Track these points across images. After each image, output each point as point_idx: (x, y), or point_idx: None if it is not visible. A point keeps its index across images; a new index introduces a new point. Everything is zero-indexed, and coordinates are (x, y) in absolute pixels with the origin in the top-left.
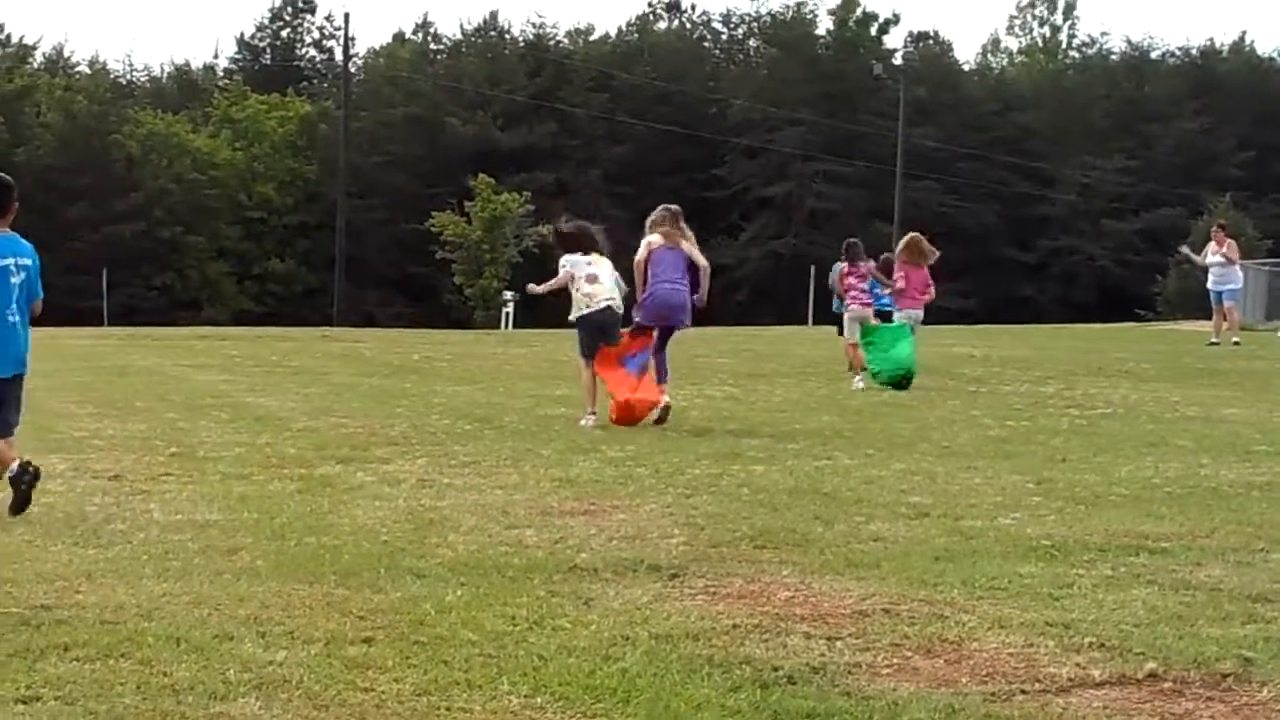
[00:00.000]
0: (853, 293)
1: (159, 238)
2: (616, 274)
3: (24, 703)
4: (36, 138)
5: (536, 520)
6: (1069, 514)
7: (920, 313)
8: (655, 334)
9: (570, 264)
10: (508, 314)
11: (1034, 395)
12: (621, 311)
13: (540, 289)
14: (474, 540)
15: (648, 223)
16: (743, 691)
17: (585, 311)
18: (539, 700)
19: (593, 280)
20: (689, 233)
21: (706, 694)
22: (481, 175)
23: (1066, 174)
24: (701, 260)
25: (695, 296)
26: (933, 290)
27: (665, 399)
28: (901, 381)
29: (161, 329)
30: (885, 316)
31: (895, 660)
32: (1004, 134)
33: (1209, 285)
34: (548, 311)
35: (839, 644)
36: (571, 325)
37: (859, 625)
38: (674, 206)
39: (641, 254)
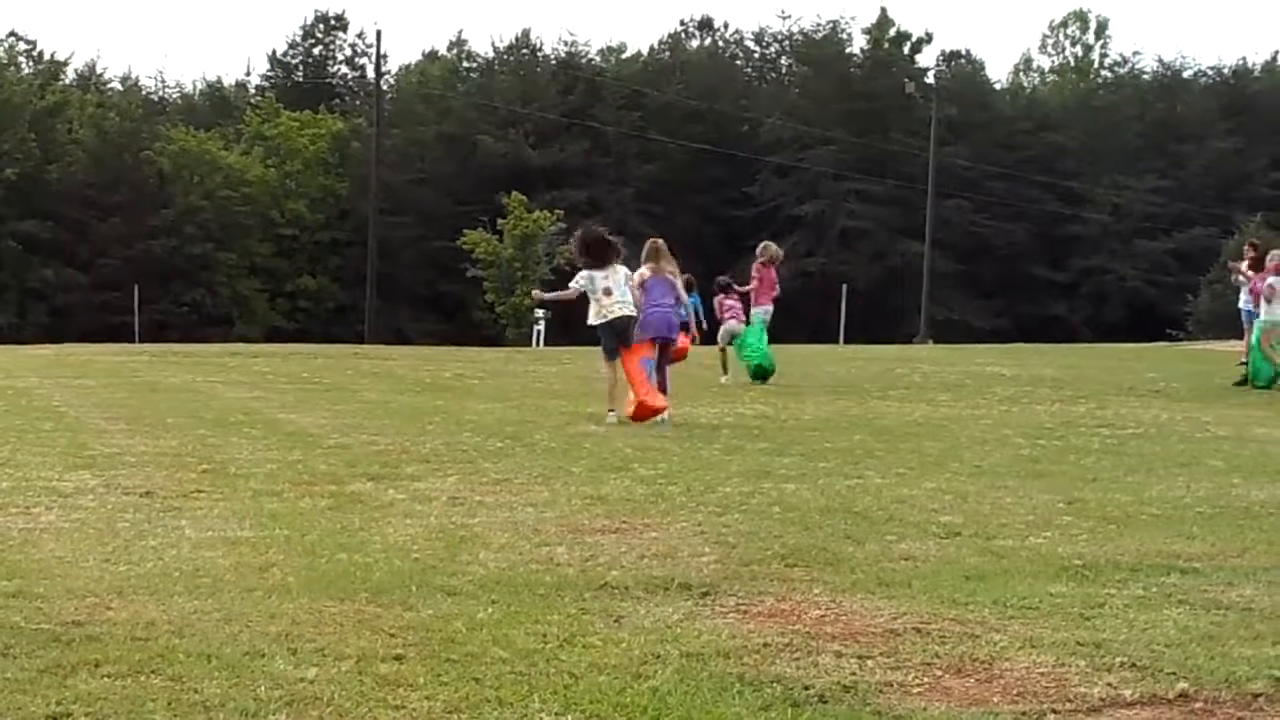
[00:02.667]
0: (730, 312)
1: (190, 254)
2: (632, 279)
3: (55, 719)
4: (69, 154)
5: (567, 538)
6: (1100, 534)
7: (770, 308)
8: (655, 349)
9: (585, 279)
10: (539, 331)
11: (1065, 415)
12: (636, 316)
13: (547, 297)
14: (505, 558)
15: (643, 255)
16: (774, 710)
17: (604, 320)
18: (570, 718)
19: (609, 293)
20: (673, 262)
21: (738, 712)
22: (514, 193)
23: (1098, 193)
24: (683, 295)
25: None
26: (778, 289)
27: (668, 412)
28: (760, 373)
29: (193, 345)
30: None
31: (926, 679)
32: (1035, 153)
33: (1240, 305)
34: (579, 329)
35: (870, 663)
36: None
37: (890, 644)
38: (659, 241)
39: (635, 281)
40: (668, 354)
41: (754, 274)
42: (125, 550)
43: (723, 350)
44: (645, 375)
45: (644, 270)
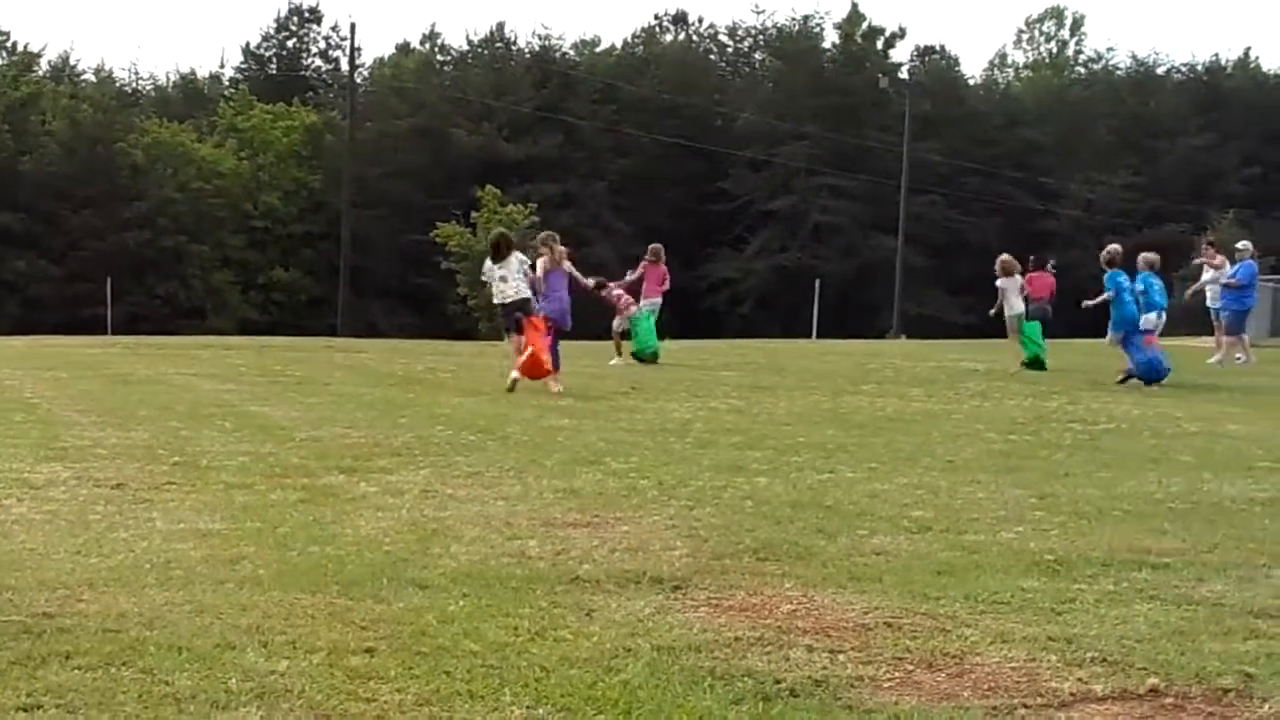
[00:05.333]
0: (623, 300)
1: (163, 246)
2: (526, 265)
3: (25, 710)
4: (42, 146)
5: (539, 531)
6: (1072, 529)
7: (659, 300)
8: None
9: (488, 270)
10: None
11: (1037, 410)
12: (529, 297)
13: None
14: (476, 551)
15: (543, 248)
16: (745, 704)
17: (503, 302)
18: (541, 711)
19: (505, 280)
20: (567, 255)
21: (708, 706)
22: (487, 186)
23: (1071, 189)
24: (581, 279)
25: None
26: (668, 282)
27: (558, 387)
28: (648, 358)
29: (165, 338)
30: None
31: (897, 674)
32: (1009, 149)
33: (1208, 303)
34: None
35: (841, 657)
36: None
37: (861, 638)
38: (554, 235)
39: (539, 272)
40: (558, 339)
41: (640, 270)
42: (97, 542)
43: (619, 337)
44: (545, 343)
45: (544, 262)
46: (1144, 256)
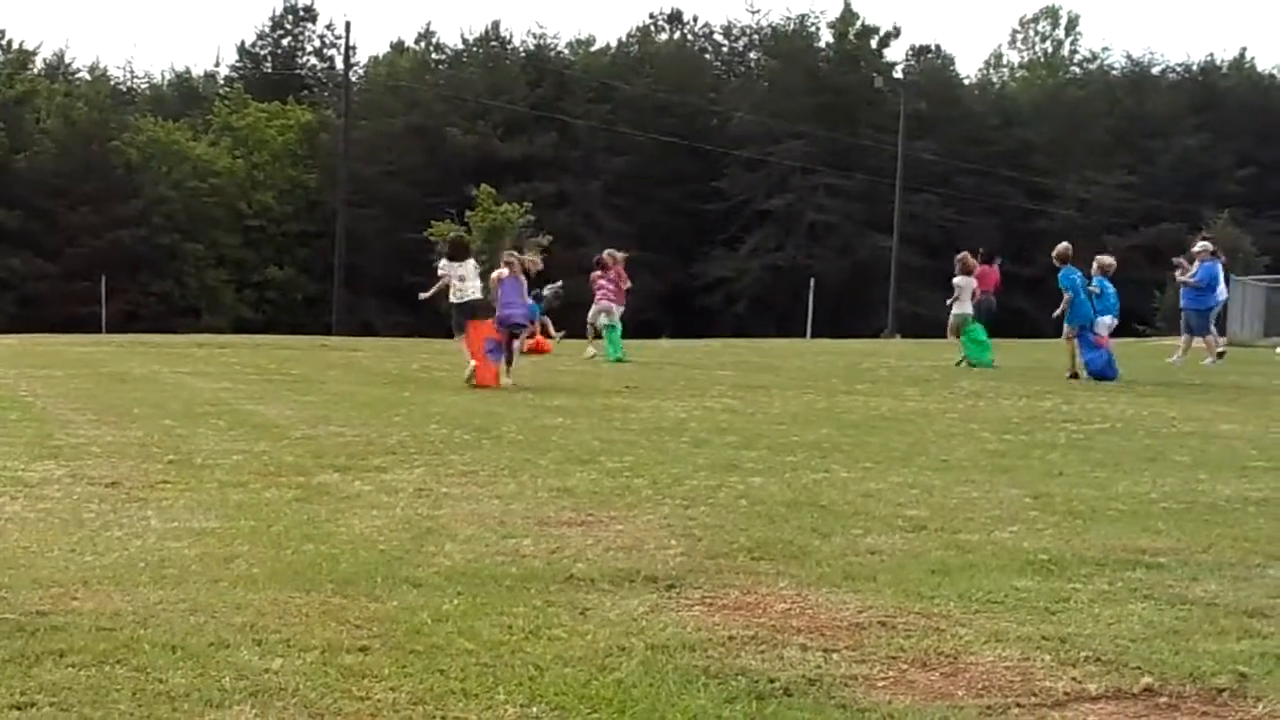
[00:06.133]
0: (602, 290)
1: (158, 245)
2: (479, 269)
3: (19, 709)
4: (37, 144)
5: (534, 530)
6: (1066, 528)
7: (621, 305)
8: (505, 334)
9: (445, 269)
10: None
11: (1031, 409)
12: (484, 299)
13: (429, 294)
14: (471, 550)
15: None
16: (738, 703)
17: (459, 301)
18: (535, 710)
19: (463, 279)
20: (521, 262)
21: (702, 705)
22: (482, 185)
23: (1066, 189)
24: (547, 291)
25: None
26: (628, 281)
27: (508, 381)
28: (622, 359)
29: (160, 336)
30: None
31: (891, 673)
32: (1004, 148)
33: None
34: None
35: (835, 656)
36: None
37: (855, 637)
38: (514, 253)
39: (494, 280)
40: (516, 339)
41: (613, 274)
42: (91, 540)
43: (593, 326)
44: (483, 350)
45: (503, 271)
46: (1099, 260)
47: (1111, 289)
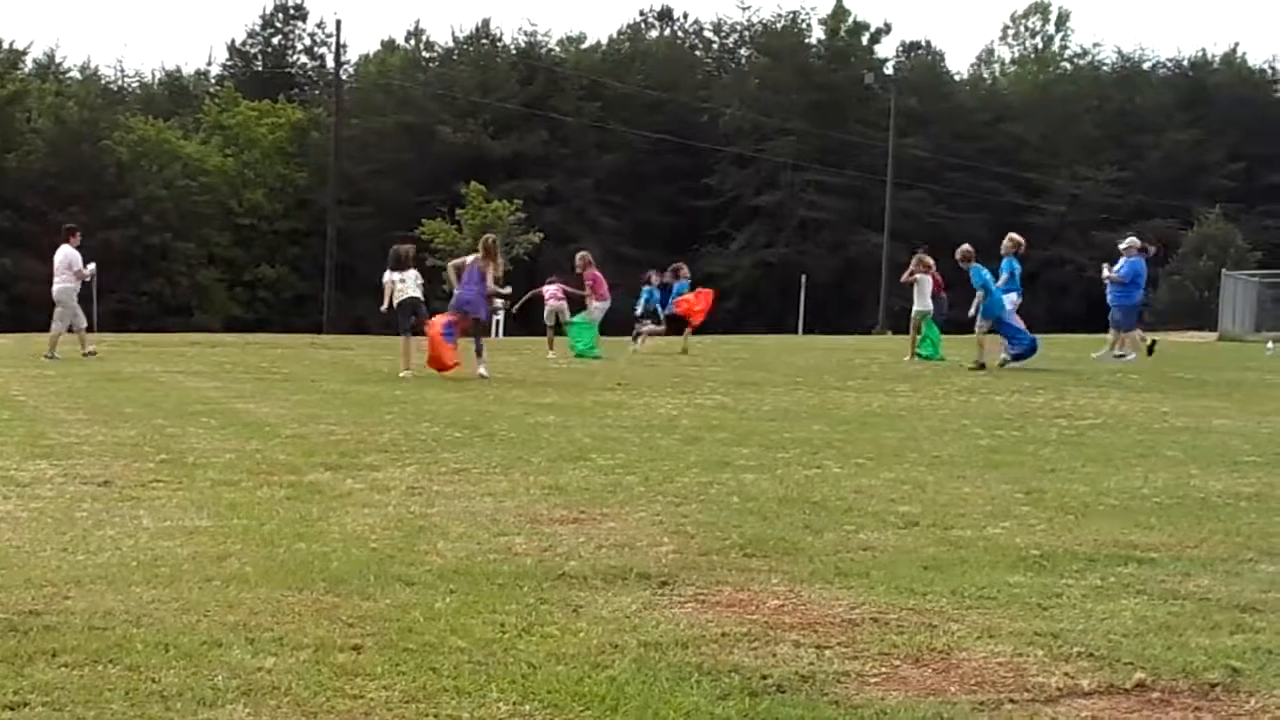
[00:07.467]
0: (554, 293)
1: (149, 244)
2: (420, 278)
3: (12, 709)
4: (27, 143)
5: (526, 528)
6: (1058, 524)
7: (608, 303)
8: (469, 322)
9: (388, 277)
10: (497, 321)
11: (1023, 405)
12: (420, 298)
13: (385, 307)
14: (463, 547)
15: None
16: (731, 700)
17: (398, 300)
18: (528, 707)
19: (402, 283)
20: (494, 258)
21: (695, 702)
22: (472, 183)
23: (1057, 184)
24: (492, 285)
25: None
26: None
27: (482, 371)
28: (588, 356)
29: (151, 335)
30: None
31: (884, 669)
32: (995, 144)
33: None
34: (537, 320)
35: (828, 652)
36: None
37: (848, 634)
38: (490, 238)
39: (458, 263)
40: (480, 327)
41: (587, 278)
42: (83, 540)
43: (552, 330)
44: (441, 338)
45: (470, 258)
46: (1010, 237)
47: (1019, 267)
